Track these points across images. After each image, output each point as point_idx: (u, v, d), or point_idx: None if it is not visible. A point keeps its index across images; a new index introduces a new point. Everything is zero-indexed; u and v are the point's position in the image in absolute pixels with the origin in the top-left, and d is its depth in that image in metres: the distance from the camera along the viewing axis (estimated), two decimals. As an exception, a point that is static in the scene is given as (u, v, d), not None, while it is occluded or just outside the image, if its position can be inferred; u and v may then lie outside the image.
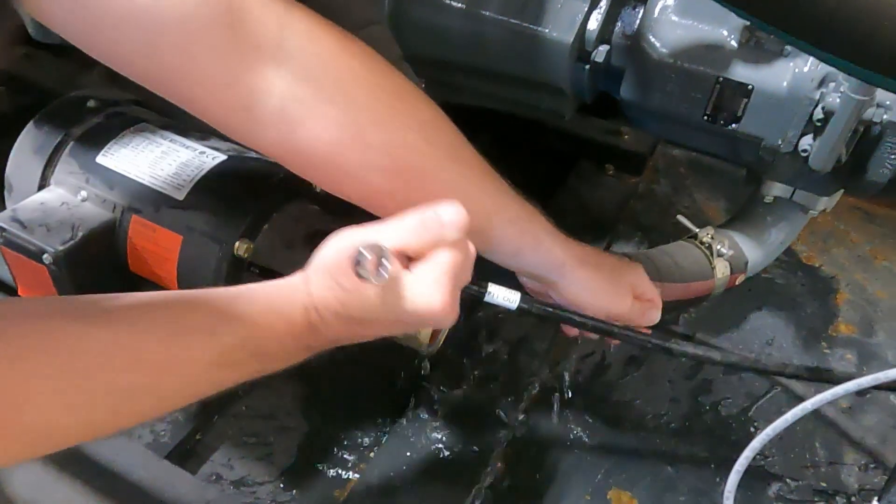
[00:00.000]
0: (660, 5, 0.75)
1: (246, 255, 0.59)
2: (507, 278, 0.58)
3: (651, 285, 0.63)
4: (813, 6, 0.43)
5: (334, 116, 0.46)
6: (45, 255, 0.58)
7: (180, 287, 0.61)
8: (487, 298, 0.55)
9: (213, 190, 0.61)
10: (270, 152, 0.49)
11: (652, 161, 1.15)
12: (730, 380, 0.83)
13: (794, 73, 0.69)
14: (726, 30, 0.72)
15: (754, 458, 0.75)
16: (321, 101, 0.45)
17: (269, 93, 0.44)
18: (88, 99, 0.67)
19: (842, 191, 0.79)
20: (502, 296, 0.55)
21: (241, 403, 0.74)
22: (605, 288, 0.59)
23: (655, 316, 0.63)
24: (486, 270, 0.56)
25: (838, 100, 0.65)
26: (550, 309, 0.57)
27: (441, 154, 0.51)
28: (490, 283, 0.55)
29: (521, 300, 0.55)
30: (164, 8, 0.40)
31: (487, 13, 0.79)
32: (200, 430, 0.70)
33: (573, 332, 0.63)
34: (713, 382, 0.83)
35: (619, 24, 0.79)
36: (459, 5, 0.79)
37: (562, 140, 1.11)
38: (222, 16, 0.41)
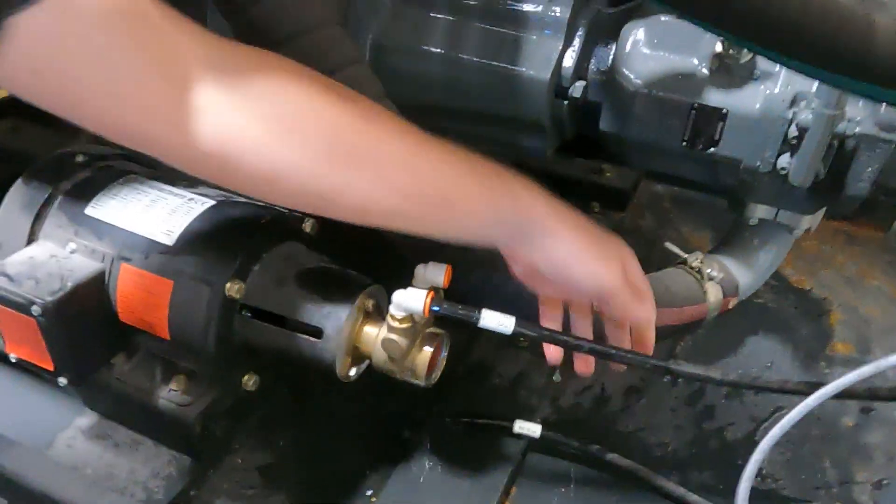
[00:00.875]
0: (631, 40, 0.77)
1: (237, 296, 0.59)
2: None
3: (641, 273, 0.57)
4: (778, 17, 0.45)
5: (260, 127, 0.44)
6: (33, 307, 0.57)
7: (171, 333, 0.61)
8: (481, 324, 0.55)
9: (202, 234, 0.61)
10: (205, 176, 0.47)
11: (636, 198, 1.16)
12: (732, 405, 0.82)
13: (765, 94, 0.71)
14: (697, 58, 0.74)
15: (765, 482, 0.74)
16: (246, 115, 0.44)
17: (191, 113, 0.43)
18: (76, 154, 0.68)
19: (824, 209, 0.81)
20: (496, 321, 0.55)
21: (236, 456, 0.72)
22: (594, 252, 0.54)
23: (648, 309, 0.57)
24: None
25: (811, 116, 0.67)
26: (546, 332, 0.56)
27: (384, 129, 0.48)
28: (483, 309, 0.55)
29: (516, 324, 0.55)
30: (99, 41, 0.40)
31: (465, 56, 0.81)
32: (195, 485, 0.68)
33: (555, 356, 0.60)
34: (716, 408, 0.82)
35: (592, 61, 0.82)
36: (438, 50, 0.82)
37: (544, 181, 1.12)
38: (136, 40, 0.41)
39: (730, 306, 0.85)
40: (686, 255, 0.84)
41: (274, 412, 0.76)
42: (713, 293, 0.81)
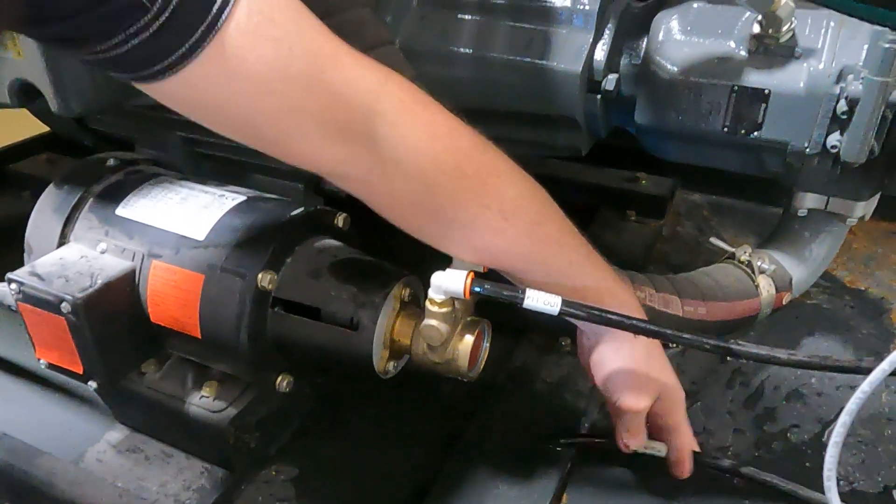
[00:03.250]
0: (663, 28, 0.76)
1: (270, 287, 0.57)
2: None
3: (674, 411, 0.62)
4: None
5: (413, 193, 0.51)
6: (63, 304, 0.56)
7: (203, 330, 0.58)
8: (526, 304, 0.52)
9: (234, 228, 0.59)
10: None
11: (673, 207, 1.13)
12: (794, 406, 0.77)
13: (809, 72, 0.69)
14: (734, 41, 0.72)
15: (839, 484, 0.68)
16: (403, 180, 0.50)
17: (353, 165, 0.49)
18: (108, 159, 0.68)
19: (878, 195, 0.77)
20: (542, 300, 0.52)
21: (270, 468, 0.68)
22: (633, 378, 0.59)
23: (636, 442, 0.62)
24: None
25: (861, 87, 0.64)
26: (596, 311, 0.53)
27: (517, 232, 0.53)
28: (528, 289, 0.52)
29: (563, 303, 0.52)
30: (268, 104, 0.45)
31: (495, 55, 0.80)
32: (228, 497, 0.65)
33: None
34: (776, 410, 0.76)
35: (625, 56, 0.80)
36: (467, 51, 0.81)
37: (579, 192, 1.11)
38: (321, 109, 0.46)
39: (783, 302, 0.81)
40: (734, 249, 0.80)
41: (309, 423, 0.73)
42: (765, 287, 0.77)
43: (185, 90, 0.44)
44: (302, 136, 0.47)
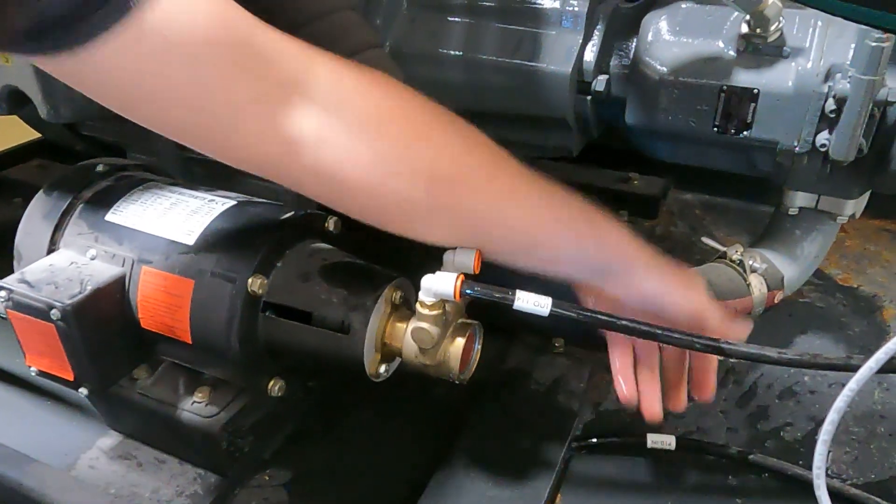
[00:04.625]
0: (652, 29, 0.76)
1: (260, 292, 0.57)
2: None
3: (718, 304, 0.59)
4: None
5: (366, 150, 0.47)
6: (52, 311, 0.56)
7: (194, 336, 0.58)
8: (516, 305, 0.52)
9: (223, 232, 0.59)
10: (316, 196, 0.50)
11: (666, 206, 1.13)
12: (787, 405, 0.77)
13: (797, 71, 0.69)
14: (722, 41, 0.72)
15: (832, 481, 0.68)
16: (353, 139, 0.46)
17: (301, 139, 0.45)
18: (97, 165, 0.67)
19: (868, 193, 0.77)
20: (532, 301, 0.52)
21: (263, 473, 0.68)
22: (681, 281, 0.56)
23: (743, 327, 0.59)
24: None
25: (849, 85, 0.64)
26: (587, 312, 0.53)
27: (484, 165, 0.50)
28: (518, 290, 0.52)
29: (553, 304, 0.52)
30: (202, 73, 0.41)
31: (485, 57, 0.80)
32: (221, 502, 0.65)
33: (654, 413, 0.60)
34: (770, 408, 0.76)
35: (614, 56, 0.81)
36: (457, 53, 0.81)
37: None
38: (255, 78, 0.42)
39: (776, 301, 0.81)
40: (725, 249, 0.80)
41: (303, 427, 0.72)
42: (757, 285, 0.77)
43: (107, 64, 0.39)
44: (235, 105, 0.43)
